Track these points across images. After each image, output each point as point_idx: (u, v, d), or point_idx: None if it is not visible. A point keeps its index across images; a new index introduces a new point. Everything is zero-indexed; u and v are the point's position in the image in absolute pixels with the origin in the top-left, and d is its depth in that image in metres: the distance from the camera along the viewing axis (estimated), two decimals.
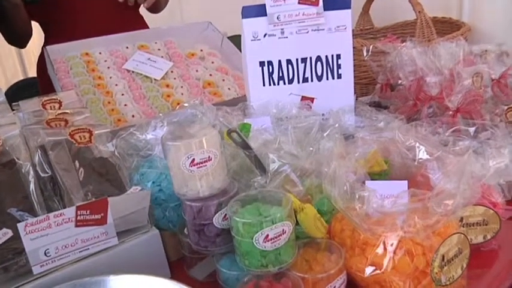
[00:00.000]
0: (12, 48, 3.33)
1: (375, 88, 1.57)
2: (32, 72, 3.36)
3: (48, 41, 1.81)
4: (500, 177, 0.92)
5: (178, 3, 2.63)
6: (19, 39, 1.87)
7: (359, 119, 1.23)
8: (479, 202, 0.87)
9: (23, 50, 3.32)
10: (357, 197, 0.75)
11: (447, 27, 1.86)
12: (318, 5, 1.20)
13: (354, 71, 1.30)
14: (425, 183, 0.91)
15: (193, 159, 0.79)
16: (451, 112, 1.20)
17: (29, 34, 1.83)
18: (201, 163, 0.80)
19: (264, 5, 1.20)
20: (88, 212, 0.85)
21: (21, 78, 3.29)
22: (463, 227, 0.88)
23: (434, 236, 0.75)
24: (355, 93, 1.33)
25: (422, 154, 0.87)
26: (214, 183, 0.83)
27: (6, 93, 2.46)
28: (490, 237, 0.90)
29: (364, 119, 1.22)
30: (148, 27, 1.96)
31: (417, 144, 0.87)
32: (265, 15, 1.21)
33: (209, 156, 0.80)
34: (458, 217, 0.81)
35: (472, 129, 1.04)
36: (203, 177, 0.81)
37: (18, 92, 2.52)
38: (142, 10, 1.97)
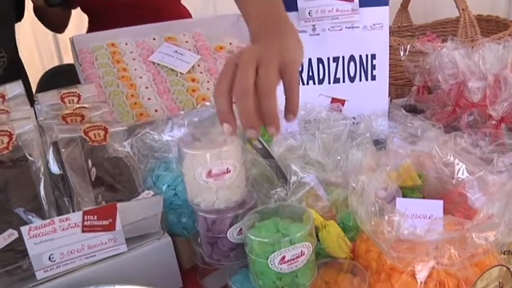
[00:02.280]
0: (50, 34, 3.35)
1: (411, 90, 1.48)
2: (67, 59, 3.37)
3: (91, 28, 1.81)
4: None
5: None
6: (54, 30, 1.96)
7: (392, 124, 1.15)
8: None
9: (59, 36, 3.35)
10: (386, 219, 0.67)
11: (493, 26, 1.74)
12: (353, 0, 1.12)
13: (389, 71, 1.22)
14: (462, 202, 0.83)
15: (210, 171, 0.73)
16: (494, 122, 1.10)
17: (63, 25, 1.86)
18: (219, 175, 0.73)
19: None
20: (95, 217, 0.80)
21: (57, 64, 3.30)
22: (504, 254, 0.79)
23: (471, 267, 0.67)
24: (389, 95, 1.25)
25: (461, 172, 0.78)
26: (231, 196, 0.76)
27: (41, 79, 2.48)
28: None
29: (398, 124, 1.14)
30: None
31: (457, 161, 0.78)
32: (296, 10, 1.13)
33: (228, 168, 0.73)
34: (502, 247, 0.73)
35: None
36: (220, 190, 0.75)
37: (53, 77, 2.51)
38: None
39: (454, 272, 0.67)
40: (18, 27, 1.66)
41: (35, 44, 3.42)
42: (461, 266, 0.66)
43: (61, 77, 2.46)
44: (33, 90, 2.10)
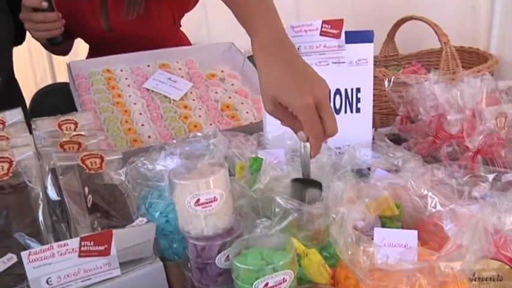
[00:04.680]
0: (44, 53, 3.41)
1: (396, 119, 1.55)
2: (61, 77, 3.43)
3: (91, 55, 1.88)
4: None
5: (205, 19, 2.65)
6: (59, 55, 2.05)
7: (375, 154, 1.21)
8: (494, 256, 0.84)
9: (53, 55, 3.40)
10: (362, 249, 0.72)
11: (474, 58, 1.82)
12: (340, 37, 1.18)
13: (375, 100, 1.28)
14: (438, 231, 0.88)
15: (199, 199, 0.79)
16: (471, 153, 1.17)
17: (67, 52, 1.94)
18: (206, 203, 0.79)
19: None
20: (92, 243, 0.84)
21: (50, 82, 3.34)
22: (475, 281, 0.84)
23: None
24: (374, 125, 1.31)
25: (434, 205, 0.84)
26: (219, 223, 0.82)
27: (34, 97, 2.52)
28: None
29: (381, 155, 1.20)
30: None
31: (430, 194, 0.84)
32: None
33: (215, 197, 0.79)
34: (469, 275, 0.78)
35: (491, 176, 1.00)
36: (208, 217, 0.80)
37: (46, 96, 2.55)
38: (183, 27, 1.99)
39: None
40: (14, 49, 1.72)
41: (29, 62, 3.47)
42: None
43: (54, 96, 2.52)
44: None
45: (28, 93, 2.51)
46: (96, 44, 1.85)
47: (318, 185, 0.95)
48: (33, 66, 3.55)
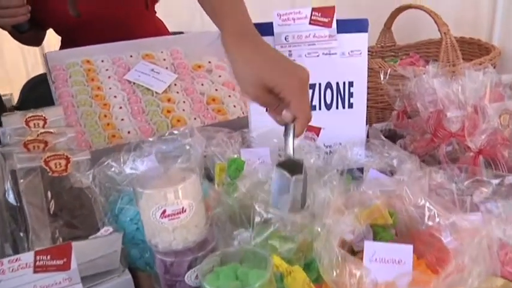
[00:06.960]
0: None
1: (392, 114, 1.45)
2: None
3: (63, 48, 1.77)
4: None
5: (199, 7, 2.55)
6: (31, 45, 1.94)
7: (369, 153, 1.12)
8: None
9: (45, 44, 3.30)
10: (347, 271, 0.64)
11: (475, 49, 1.72)
12: (331, 26, 1.09)
13: (370, 93, 1.18)
14: (435, 242, 0.80)
15: (165, 210, 0.69)
16: (472, 153, 1.08)
17: (38, 42, 1.86)
18: (174, 215, 0.70)
19: (272, 23, 1.10)
20: (49, 257, 0.75)
21: (42, 71, 3.25)
22: None
23: None
24: (367, 122, 1.21)
25: (432, 217, 0.75)
26: (188, 236, 0.72)
27: (24, 87, 2.42)
28: None
29: (375, 154, 1.11)
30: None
31: (427, 204, 0.75)
32: (272, 34, 1.10)
33: (183, 208, 0.70)
34: None
35: (495, 182, 0.91)
36: (176, 230, 0.71)
37: (36, 86, 2.45)
38: (161, 14, 1.88)
39: None
40: (3, 34, 1.63)
41: (20, 51, 3.38)
42: None
43: (44, 86, 2.42)
44: (16, 97, 2.05)
45: (18, 82, 2.41)
46: (67, 33, 1.74)
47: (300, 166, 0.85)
48: (24, 55, 3.46)
